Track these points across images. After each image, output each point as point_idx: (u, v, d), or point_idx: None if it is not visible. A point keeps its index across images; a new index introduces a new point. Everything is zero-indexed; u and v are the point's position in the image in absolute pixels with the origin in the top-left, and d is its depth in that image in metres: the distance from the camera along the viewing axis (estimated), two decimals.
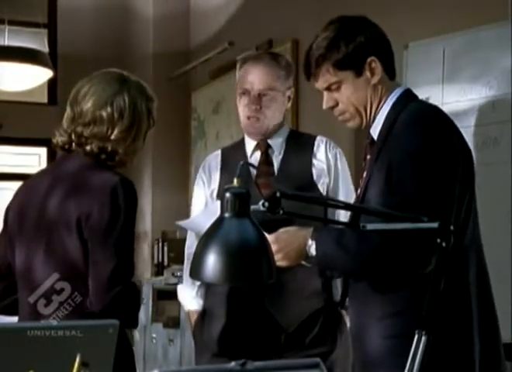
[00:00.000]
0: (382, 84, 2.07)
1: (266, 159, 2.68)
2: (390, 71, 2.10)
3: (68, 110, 2.26)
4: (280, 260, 2.01)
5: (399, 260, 1.89)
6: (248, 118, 2.66)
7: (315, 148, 2.69)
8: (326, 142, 2.71)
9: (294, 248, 2.01)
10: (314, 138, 2.74)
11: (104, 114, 2.19)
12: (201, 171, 2.79)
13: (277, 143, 2.69)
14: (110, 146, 2.20)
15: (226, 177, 2.63)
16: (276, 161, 2.67)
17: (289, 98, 2.71)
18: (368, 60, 2.04)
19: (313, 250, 1.97)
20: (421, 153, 1.91)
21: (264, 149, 2.69)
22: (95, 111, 2.20)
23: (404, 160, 1.92)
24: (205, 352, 2.67)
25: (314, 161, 2.67)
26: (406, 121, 1.98)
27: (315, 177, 2.64)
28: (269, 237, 1.97)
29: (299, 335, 2.58)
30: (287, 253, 2.01)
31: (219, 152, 2.81)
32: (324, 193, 2.63)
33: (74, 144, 2.22)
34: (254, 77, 2.63)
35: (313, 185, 2.62)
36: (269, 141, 2.69)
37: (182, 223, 2.68)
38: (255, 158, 2.68)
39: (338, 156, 2.70)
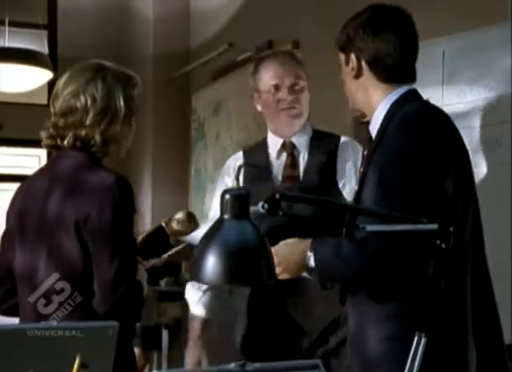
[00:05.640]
0: (369, 85, 2.08)
1: (292, 161, 2.60)
2: (393, 73, 2.08)
3: (51, 107, 2.26)
4: (281, 273, 2.02)
5: (398, 268, 1.88)
6: (284, 110, 2.58)
7: (339, 151, 2.61)
8: (350, 144, 2.64)
9: (294, 260, 2.02)
10: (338, 139, 2.66)
11: (78, 103, 2.18)
12: (225, 175, 2.70)
13: (301, 143, 2.62)
14: (84, 131, 2.18)
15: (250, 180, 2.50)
16: (301, 164, 2.59)
17: (309, 89, 2.66)
18: (352, 55, 2.08)
19: (312, 262, 1.97)
20: (409, 154, 1.91)
21: (291, 150, 2.61)
22: (70, 100, 2.19)
23: (393, 163, 1.92)
24: (230, 353, 2.63)
25: (338, 164, 2.58)
26: (398, 122, 1.99)
27: (339, 181, 2.56)
28: None
29: (323, 340, 2.53)
30: (287, 265, 2.02)
31: (240, 154, 2.73)
32: (348, 197, 2.53)
33: (57, 139, 2.21)
34: (281, 70, 2.58)
35: (336, 190, 2.55)
36: (294, 140, 2.61)
37: (189, 238, 2.65)
38: (281, 160, 2.61)
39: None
